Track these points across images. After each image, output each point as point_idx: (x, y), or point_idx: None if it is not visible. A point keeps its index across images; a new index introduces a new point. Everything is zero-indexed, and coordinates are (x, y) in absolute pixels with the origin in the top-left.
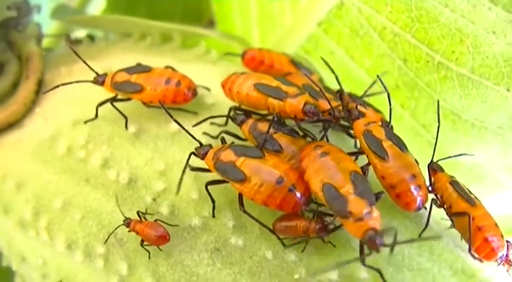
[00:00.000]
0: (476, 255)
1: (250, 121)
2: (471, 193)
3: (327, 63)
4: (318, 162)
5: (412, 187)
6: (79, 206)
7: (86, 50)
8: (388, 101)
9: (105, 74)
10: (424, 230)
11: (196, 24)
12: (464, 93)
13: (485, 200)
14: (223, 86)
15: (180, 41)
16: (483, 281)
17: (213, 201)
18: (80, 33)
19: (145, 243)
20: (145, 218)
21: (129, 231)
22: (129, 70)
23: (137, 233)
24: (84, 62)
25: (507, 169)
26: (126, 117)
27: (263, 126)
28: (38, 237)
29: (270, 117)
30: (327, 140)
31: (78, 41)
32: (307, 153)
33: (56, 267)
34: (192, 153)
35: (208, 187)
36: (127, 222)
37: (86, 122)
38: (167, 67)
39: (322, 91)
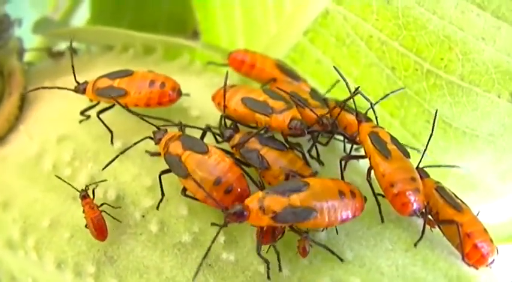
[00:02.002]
0: (469, 263)
1: (237, 137)
2: (458, 198)
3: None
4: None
5: (411, 188)
6: (67, 224)
7: (69, 63)
8: (372, 111)
9: (86, 82)
10: (419, 239)
11: (180, 35)
12: (455, 101)
13: (477, 208)
14: (213, 99)
15: (163, 52)
16: None
17: (162, 193)
18: (64, 45)
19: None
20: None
21: (83, 207)
22: (110, 75)
23: (83, 213)
24: (73, 68)
25: (500, 176)
26: (111, 132)
27: (249, 142)
28: (27, 257)
29: (258, 133)
30: (316, 150)
31: (60, 54)
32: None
33: None
34: (149, 137)
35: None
36: (83, 195)
37: (81, 121)
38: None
39: (306, 104)
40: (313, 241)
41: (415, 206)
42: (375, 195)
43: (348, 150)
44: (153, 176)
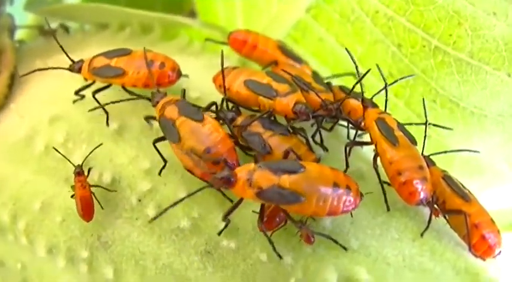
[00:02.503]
0: (476, 254)
1: (239, 119)
2: (465, 188)
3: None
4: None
5: (419, 176)
6: (59, 207)
7: (61, 42)
8: (385, 92)
9: (82, 61)
10: (426, 229)
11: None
12: (463, 80)
13: (484, 192)
14: (214, 81)
15: (161, 32)
16: (487, 281)
17: (164, 161)
18: (56, 24)
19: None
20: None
21: (74, 183)
22: (107, 54)
23: (73, 190)
24: (62, 47)
25: (508, 159)
26: (107, 113)
27: (252, 126)
28: (17, 241)
29: (261, 116)
30: (320, 135)
31: (52, 32)
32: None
33: (36, 273)
34: (147, 98)
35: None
36: (77, 171)
37: (75, 101)
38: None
39: (311, 86)
40: (313, 231)
41: (422, 195)
42: (381, 183)
43: (351, 136)
44: (150, 159)
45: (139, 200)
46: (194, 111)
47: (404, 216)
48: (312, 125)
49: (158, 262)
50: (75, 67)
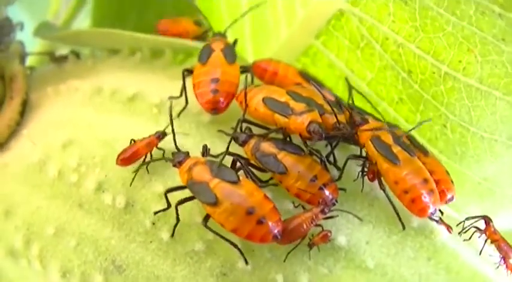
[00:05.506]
0: None
1: (252, 141)
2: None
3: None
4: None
5: (426, 192)
6: (73, 232)
7: (73, 68)
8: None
9: None
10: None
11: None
12: (473, 105)
13: (495, 215)
14: (236, 99)
15: (171, 56)
16: None
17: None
18: (65, 50)
19: None
20: None
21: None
22: None
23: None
24: None
25: None
26: None
27: (266, 147)
28: (30, 266)
29: (274, 136)
30: (333, 157)
31: (63, 58)
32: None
33: None
34: None
35: None
36: (157, 136)
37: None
38: None
39: (332, 107)
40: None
41: (431, 208)
42: (392, 203)
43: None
44: (163, 182)
45: (153, 223)
46: None
47: (420, 234)
48: (326, 146)
49: None
50: None
